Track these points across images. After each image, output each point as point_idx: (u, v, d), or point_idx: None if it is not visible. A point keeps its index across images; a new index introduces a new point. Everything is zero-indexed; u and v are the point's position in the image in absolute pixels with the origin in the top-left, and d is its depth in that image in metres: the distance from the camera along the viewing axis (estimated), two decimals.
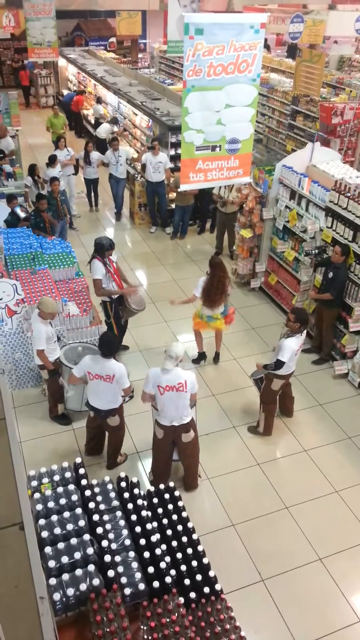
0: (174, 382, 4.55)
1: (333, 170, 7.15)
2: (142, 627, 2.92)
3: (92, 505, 3.39)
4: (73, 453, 5.42)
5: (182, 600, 3.04)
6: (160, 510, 3.59)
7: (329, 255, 6.57)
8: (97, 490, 3.66)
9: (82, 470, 3.72)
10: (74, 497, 3.45)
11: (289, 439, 5.81)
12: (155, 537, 3.31)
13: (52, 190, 8.77)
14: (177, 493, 3.77)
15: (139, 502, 3.59)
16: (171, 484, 3.88)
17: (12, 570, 1.96)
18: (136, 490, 3.68)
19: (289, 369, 5.41)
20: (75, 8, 16.00)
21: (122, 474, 3.82)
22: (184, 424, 4.73)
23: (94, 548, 3.14)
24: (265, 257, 8.16)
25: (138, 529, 3.36)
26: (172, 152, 10.37)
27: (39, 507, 3.36)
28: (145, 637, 2.85)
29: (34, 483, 3.55)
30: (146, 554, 3.20)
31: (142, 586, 3.01)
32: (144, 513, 3.46)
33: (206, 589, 3.11)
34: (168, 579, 3.06)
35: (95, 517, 3.33)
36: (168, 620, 2.88)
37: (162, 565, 3.16)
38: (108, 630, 2.76)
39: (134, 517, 3.43)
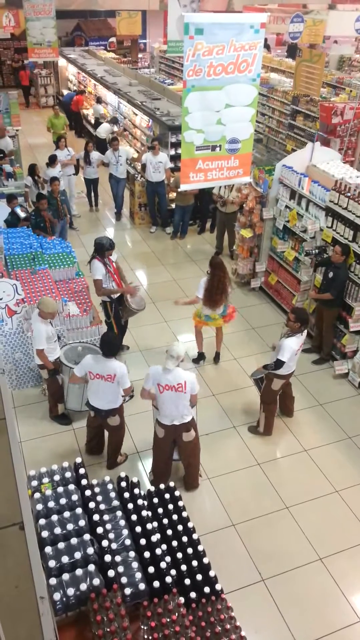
0: (173, 382, 4.56)
1: (333, 170, 7.15)
2: (142, 626, 2.92)
3: (92, 505, 3.39)
4: (73, 453, 5.42)
5: (182, 600, 3.04)
6: (160, 510, 3.59)
7: (329, 255, 6.57)
8: (97, 490, 3.66)
9: (82, 470, 3.72)
10: (74, 497, 3.46)
11: (289, 439, 5.81)
12: (155, 537, 3.31)
13: (52, 190, 8.78)
14: (177, 493, 3.77)
15: (139, 502, 3.59)
16: (171, 483, 3.88)
17: (13, 570, 1.96)
18: (136, 490, 3.68)
19: (289, 369, 5.41)
20: (75, 8, 16.00)
21: (123, 474, 3.82)
22: (184, 423, 4.73)
23: (94, 548, 3.14)
24: (265, 257, 8.16)
25: (138, 528, 3.36)
26: (172, 152, 10.37)
27: (39, 506, 3.36)
28: (146, 636, 2.86)
29: (34, 483, 3.55)
30: (146, 554, 3.20)
31: (142, 586, 3.01)
32: (144, 513, 3.46)
33: (206, 589, 3.11)
34: (168, 579, 3.06)
35: (96, 517, 3.33)
36: (168, 620, 2.88)
37: (163, 565, 3.16)
38: (108, 630, 2.76)
39: (134, 517, 3.43)
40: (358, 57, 16.63)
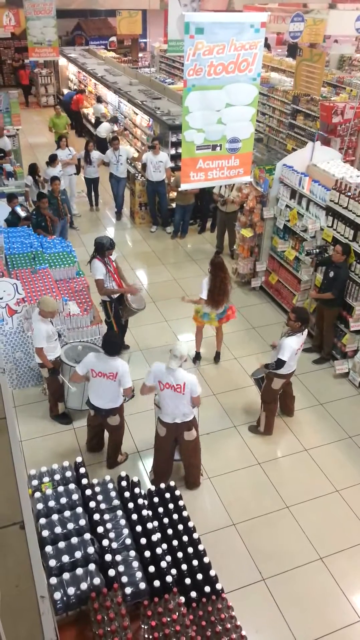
0: (174, 382, 4.57)
1: (333, 169, 7.15)
2: (142, 626, 2.92)
3: (92, 504, 3.39)
4: (74, 452, 5.42)
5: (182, 599, 3.04)
6: (160, 510, 3.59)
7: (329, 254, 6.57)
8: (97, 489, 3.66)
9: (82, 470, 3.73)
10: (75, 496, 3.46)
11: (290, 439, 5.81)
12: (156, 536, 3.31)
13: (52, 189, 8.78)
14: (177, 492, 3.77)
15: (140, 501, 3.59)
16: (172, 483, 3.88)
17: (13, 569, 1.96)
18: (137, 490, 3.68)
19: (289, 368, 5.40)
20: (76, 7, 16.02)
21: (123, 473, 3.82)
22: (186, 421, 4.74)
23: (94, 547, 3.14)
24: (265, 256, 8.16)
25: (139, 528, 3.36)
26: (173, 151, 10.37)
27: (40, 506, 3.36)
28: (146, 636, 2.86)
29: (35, 482, 3.55)
30: (147, 553, 3.20)
31: (142, 585, 3.01)
32: (144, 512, 3.46)
33: (207, 588, 3.11)
34: (169, 578, 3.06)
35: (96, 516, 3.33)
36: (169, 619, 2.88)
37: (163, 564, 3.16)
38: (109, 629, 2.76)
39: (134, 516, 3.43)
40: (358, 56, 16.61)
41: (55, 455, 5.39)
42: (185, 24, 4.82)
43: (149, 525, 3.38)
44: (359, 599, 4.30)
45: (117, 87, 13.38)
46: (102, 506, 3.48)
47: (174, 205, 10.10)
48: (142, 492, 3.72)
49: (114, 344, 4.85)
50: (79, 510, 3.33)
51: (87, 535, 3.17)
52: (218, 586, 3.14)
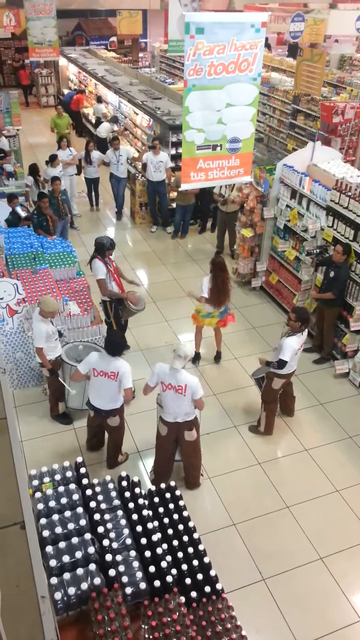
0: (175, 384, 4.58)
1: (334, 169, 7.14)
2: (143, 626, 2.92)
3: (93, 504, 3.40)
4: (74, 452, 5.43)
5: (183, 599, 3.04)
6: (161, 510, 3.59)
7: (330, 254, 6.57)
8: (98, 489, 3.66)
9: (83, 470, 3.73)
10: (75, 497, 3.46)
11: (290, 438, 5.81)
12: (156, 536, 3.32)
13: (53, 189, 8.78)
14: (178, 492, 3.77)
15: (140, 501, 3.59)
16: (172, 483, 3.88)
17: (14, 569, 1.96)
18: (137, 490, 3.68)
19: (290, 368, 5.41)
20: (76, 7, 16.02)
21: (123, 473, 3.83)
22: (187, 421, 4.75)
23: (95, 547, 3.14)
24: (266, 256, 8.16)
25: (139, 528, 3.36)
26: (173, 151, 10.37)
27: (40, 506, 3.36)
28: (147, 636, 2.86)
29: (35, 482, 3.56)
30: (147, 553, 3.20)
31: (143, 585, 3.02)
32: (145, 512, 3.46)
33: (207, 588, 3.11)
34: (169, 578, 3.07)
35: (97, 516, 3.34)
36: (169, 619, 2.89)
37: (163, 564, 3.16)
38: (109, 629, 2.76)
39: (135, 517, 3.44)
40: (359, 56, 16.61)
41: (55, 455, 5.40)
42: (186, 24, 4.82)
43: (150, 525, 3.38)
44: (359, 599, 4.30)
45: (117, 87, 13.39)
46: (103, 506, 3.48)
47: (174, 205, 10.10)
48: (143, 492, 3.73)
49: (116, 344, 4.86)
50: (80, 510, 3.34)
51: (88, 535, 3.17)
52: (218, 586, 3.14)
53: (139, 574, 3.10)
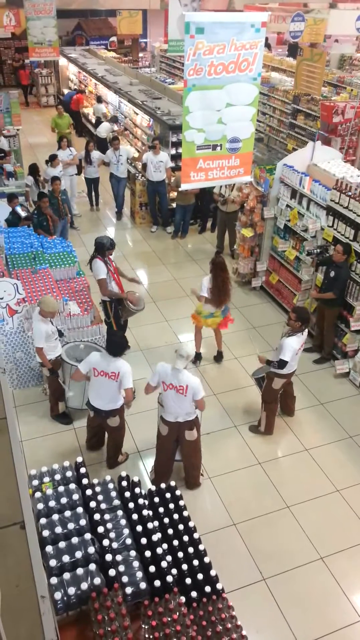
0: (177, 384, 4.58)
1: (334, 169, 7.14)
2: (143, 626, 2.92)
3: (93, 504, 3.39)
4: (74, 452, 5.42)
5: (183, 599, 3.04)
6: (161, 510, 3.59)
7: (330, 254, 6.56)
8: (98, 489, 3.66)
9: (83, 470, 3.73)
10: (75, 496, 3.46)
11: (290, 438, 5.81)
12: (156, 536, 3.32)
13: (53, 189, 8.78)
14: (178, 492, 3.77)
15: (140, 501, 3.59)
16: (172, 483, 3.88)
17: (14, 569, 1.96)
18: (137, 490, 3.68)
19: (290, 368, 5.40)
20: (76, 7, 16.02)
21: (123, 473, 3.82)
22: (188, 420, 4.75)
23: (95, 547, 3.14)
24: (266, 256, 8.16)
25: (139, 528, 3.36)
26: (173, 151, 10.36)
27: (40, 506, 3.36)
28: (147, 636, 2.86)
29: (35, 482, 3.56)
30: (147, 553, 3.20)
31: (143, 585, 3.01)
32: (145, 512, 3.46)
33: (207, 588, 3.11)
34: (169, 578, 3.06)
35: (97, 516, 3.33)
36: (169, 619, 2.88)
37: (164, 564, 3.16)
38: (109, 629, 2.76)
39: (135, 516, 3.43)
40: (359, 56, 16.61)
41: (55, 455, 5.39)
42: (186, 23, 4.82)
43: (150, 525, 3.38)
44: None
45: (117, 87, 13.38)
46: (103, 506, 3.48)
47: (174, 205, 10.10)
48: (143, 492, 3.72)
49: (117, 345, 4.86)
50: (80, 510, 3.34)
51: (88, 535, 3.17)
52: (218, 586, 3.14)
53: (139, 574, 3.09)
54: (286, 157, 7.78)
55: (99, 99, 14.68)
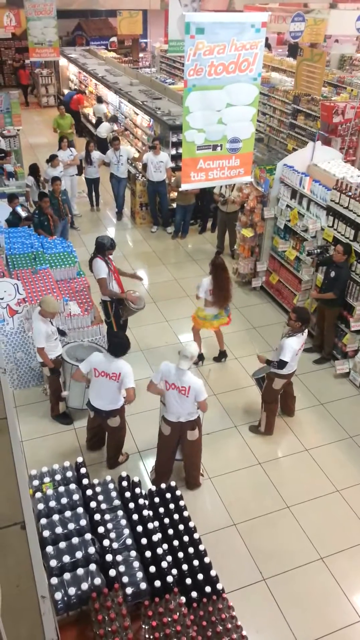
0: (180, 384, 4.58)
1: (334, 169, 7.14)
2: (143, 626, 2.92)
3: (93, 504, 3.40)
4: (74, 452, 5.43)
5: (183, 599, 3.04)
6: (161, 510, 3.59)
7: (330, 254, 6.56)
8: (98, 489, 3.66)
9: (83, 470, 3.73)
10: (76, 497, 3.46)
11: (291, 439, 5.81)
12: (156, 537, 3.32)
13: (53, 189, 8.78)
14: (178, 492, 3.77)
15: (141, 501, 3.59)
16: (172, 483, 3.88)
17: (14, 569, 1.96)
18: (137, 490, 3.68)
19: (290, 368, 5.40)
20: (76, 7, 16.02)
21: (124, 474, 3.82)
22: (190, 420, 4.75)
23: (95, 547, 3.14)
24: (266, 256, 8.16)
25: (139, 528, 3.36)
26: (173, 151, 10.37)
27: (41, 506, 3.36)
28: (147, 636, 2.86)
29: (36, 482, 3.56)
30: (148, 553, 3.20)
31: (143, 585, 3.02)
32: (145, 512, 3.46)
33: (207, 588, 3.11)
34: (169, 578, 3.07)
35: (97, 517, 3.34)
36: (169, 619, 2.88)
37: (164, 564, 3.16)
38: (110, 629, 2.76)
39: (135, 517, 3.44)
40: (359, 56, 16.61)
41: (56, 455, 5.40)
42: (186, 24, 4.82)
43: (150, 526, 3.38)
44: None
45: (117, 88, 13.39)
46: (103, 506, 3.48)
47: (174, 205, 10.10)
48: (143, 492, 3.73)
49: (120, 345, 4.86)
50: (80, 510, 3.34)
51: (88, 536, 3.17)
52: (219, 586, 3.14)
53: (140, 574, 3.10)
54: (286, 157, 7.78)
55: (100, 99, 14.68)
